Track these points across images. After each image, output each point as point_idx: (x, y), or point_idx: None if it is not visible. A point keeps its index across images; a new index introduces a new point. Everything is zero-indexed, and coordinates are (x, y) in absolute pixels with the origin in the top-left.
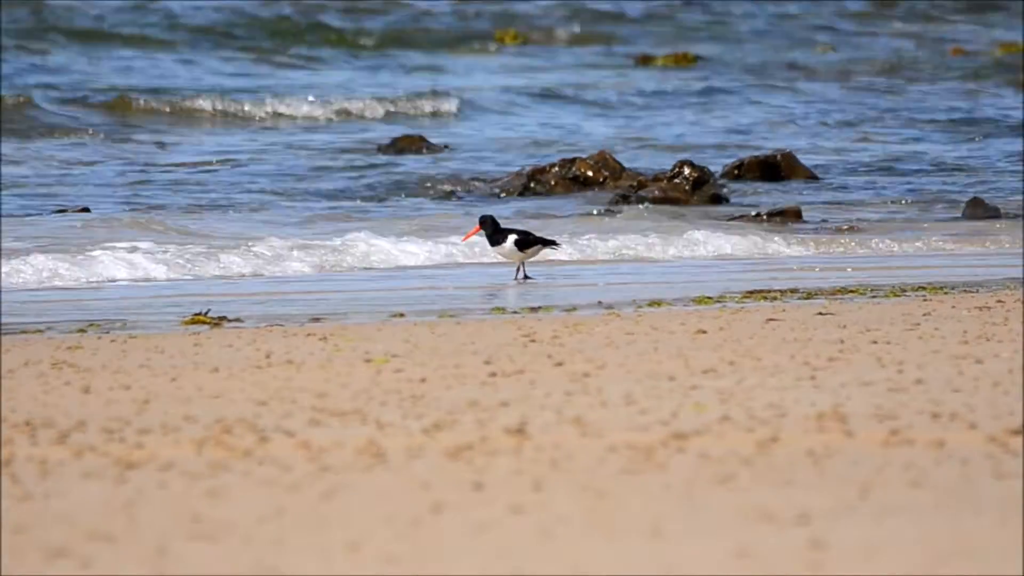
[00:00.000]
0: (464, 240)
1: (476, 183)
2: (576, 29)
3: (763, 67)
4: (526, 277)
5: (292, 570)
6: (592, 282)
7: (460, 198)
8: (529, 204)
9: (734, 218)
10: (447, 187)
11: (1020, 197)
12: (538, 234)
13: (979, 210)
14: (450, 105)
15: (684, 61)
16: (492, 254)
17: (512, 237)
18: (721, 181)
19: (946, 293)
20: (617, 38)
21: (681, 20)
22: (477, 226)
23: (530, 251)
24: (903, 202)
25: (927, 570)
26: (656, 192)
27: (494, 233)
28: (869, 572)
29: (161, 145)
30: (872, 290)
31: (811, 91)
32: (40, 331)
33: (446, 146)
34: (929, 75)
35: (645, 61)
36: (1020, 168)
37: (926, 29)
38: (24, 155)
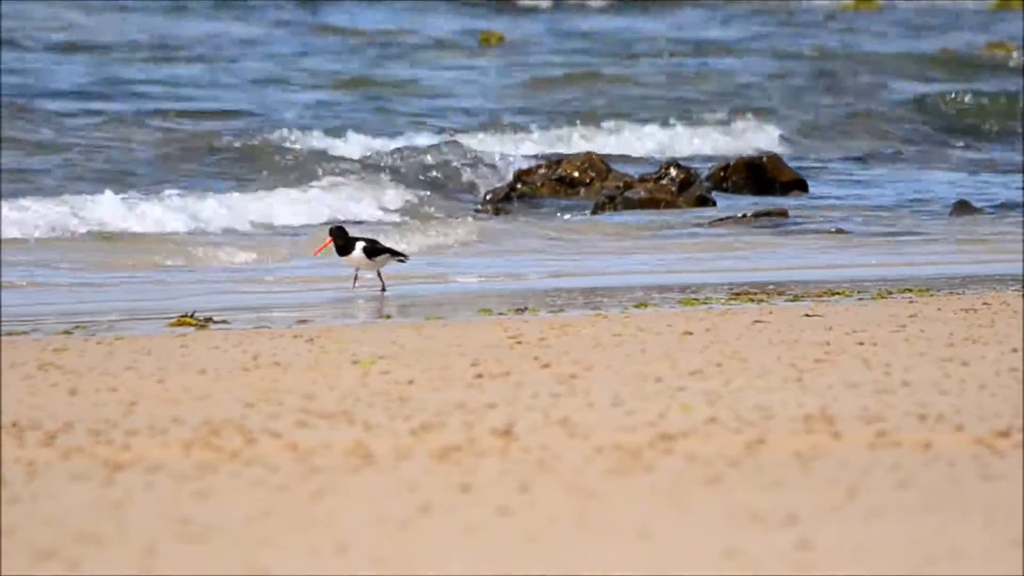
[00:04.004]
0: (316, 253)
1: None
2: None
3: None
4: (383, 288)
5: (280, 571)
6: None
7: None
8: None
9: (720, 219)
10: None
11: (1004, 200)
12: (389, 244)
13: (965, 212)
14: None
15: None
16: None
17: (360, 244)
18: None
19: (932, 295)
20: None
21: None
22: (329, 239)
23: (379, 259)
24: (890, 204)
25: (914, 571)
26: (642, 193)
27: (343, 242)
28: (856, 573)
29: None
30: (858, 291)
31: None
32: (26, 332)
33: None
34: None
35: None
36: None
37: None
38: None
